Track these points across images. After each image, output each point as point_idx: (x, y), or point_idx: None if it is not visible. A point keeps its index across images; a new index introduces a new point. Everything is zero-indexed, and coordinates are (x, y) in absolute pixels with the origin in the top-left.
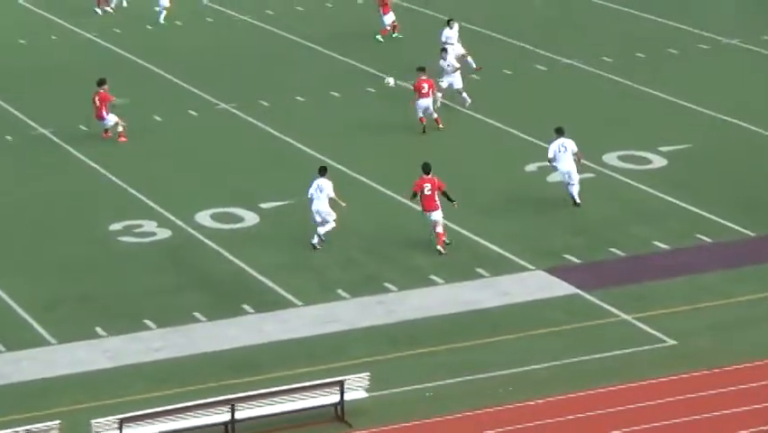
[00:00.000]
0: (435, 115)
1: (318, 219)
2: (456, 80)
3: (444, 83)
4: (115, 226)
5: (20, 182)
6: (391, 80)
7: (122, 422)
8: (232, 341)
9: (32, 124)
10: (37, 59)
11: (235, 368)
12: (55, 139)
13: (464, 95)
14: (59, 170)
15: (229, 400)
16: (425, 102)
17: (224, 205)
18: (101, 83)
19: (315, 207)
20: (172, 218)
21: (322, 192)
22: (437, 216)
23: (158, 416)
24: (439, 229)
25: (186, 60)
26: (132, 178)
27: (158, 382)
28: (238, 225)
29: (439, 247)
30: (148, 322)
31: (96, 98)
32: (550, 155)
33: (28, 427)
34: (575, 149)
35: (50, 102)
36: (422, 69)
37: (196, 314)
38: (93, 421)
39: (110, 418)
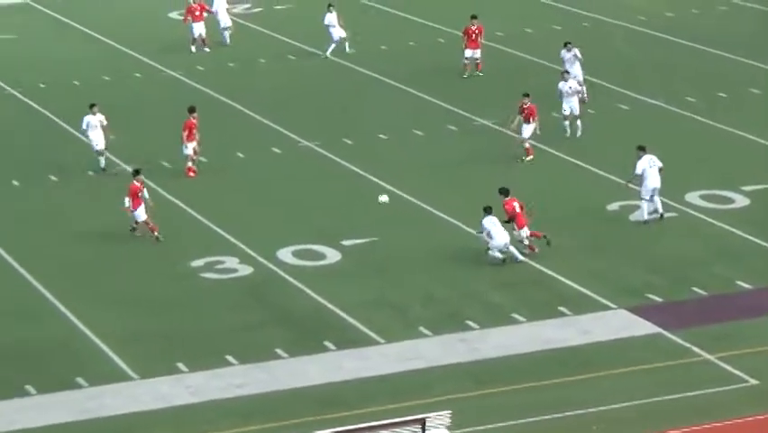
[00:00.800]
0: (527, 145)
1: None
2: (575, 105)
3: (566, 109)
4: (198, 263)
5: (103, 216)
6: (385, 198)
7: None
8: (314, 378)
9: (115, 159)
10: (120, 96)
11: (318, 405)
12: None
13: (578, 122)
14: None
15: None
16: (530, 128)
17: (306, 242)
18: (192, 110)
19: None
20: (254, 255)
21: None
22: (525, 231)
23: None
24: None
25: (269, 98)
26: (215, 214)
27: (241, 419)
28: (320, 263)
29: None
30: (230, 358)
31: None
32: (638, 171)
33: None
34: (661, 164)
35: (133, 138)
36: (526, 95)
37: (278, 350)
38: None
39: None
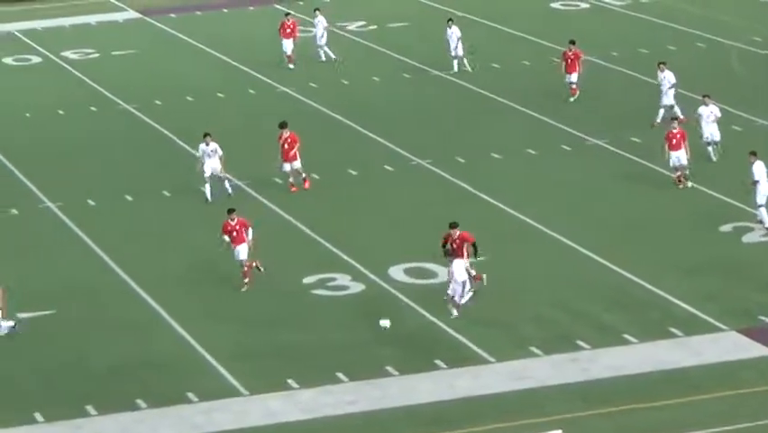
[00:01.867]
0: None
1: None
2: (715, 132)
3: (707, 136)
4: (309, 279)
5: (217, 232)
6: (387, 322)
7: None
8: (424, 396)
9: (228, 176)
10: (233, 112)
11: (427, 423)
12: (249, 190)
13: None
14: (253, 221)
15: None
16: (676, 154)
17: (418, 260)
18: (283, 126)
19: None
20: (366, 272)
21: None
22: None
23: None
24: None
25: (382, 115)
26: (327, 231)
27: None
28: (431, 281)
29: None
30: (340, 375)
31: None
32: (756, 177)
33: None
34: None
35: (244, 154)
36: (675, 119)
37: (389, 368)
38: None
39: None
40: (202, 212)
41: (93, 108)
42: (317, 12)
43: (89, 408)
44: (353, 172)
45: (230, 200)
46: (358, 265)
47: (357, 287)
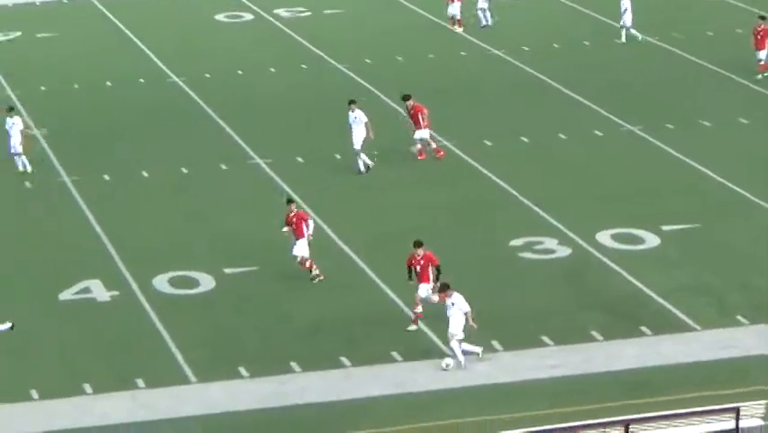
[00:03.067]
0: None
1: None
2: None
3: None
4: (516, 242)
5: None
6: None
7: None
8: (628, 361)
9: (438, 137)
10: (444, 75)
11: (630, 389)
12: (458, 152)
13: None
14: (462, 183)
15: (624, 420)
16: None
17: (626, 226)
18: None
19: None
20: (573, 236)
21: None
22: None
23: None
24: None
25: (592, 81)
26: (535, 194)
27: (553, 400)
28: (639, 247)
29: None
30: (545, 339)
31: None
32: None
33: None
34: None
35: (453, 116)
36: None
37: (594, 333)
38: None
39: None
40: (409, 171)
41: (303, 66)
42: None
43: (294, 364)
44: (563, 136)
45: (440, 163)
46: (565, 229)
47: (564, 251)
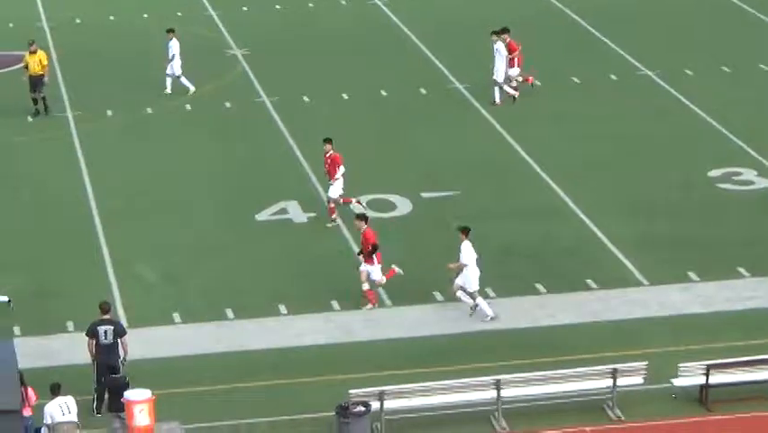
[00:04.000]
0: None
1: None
2: None
3: None
4: (715, 173)
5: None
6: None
7: (708, 369)
8: None
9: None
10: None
11: None
12: (662, 83)
13: None
14: (667, 116)
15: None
16: None
17: None
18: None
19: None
20: None
21: None
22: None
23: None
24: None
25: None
26: (736, 126)
27: (745, 331)
28: None
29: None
30: (741, 270)
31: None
32: None
33: (615, 365)
34: None
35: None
36: None
37: None
38: (680, 365)
39: (696, 363)
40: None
41: None
42: None
43: (488, 289)
44: (764, 67)
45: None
46: (764, 160)
47: (763, 182)
